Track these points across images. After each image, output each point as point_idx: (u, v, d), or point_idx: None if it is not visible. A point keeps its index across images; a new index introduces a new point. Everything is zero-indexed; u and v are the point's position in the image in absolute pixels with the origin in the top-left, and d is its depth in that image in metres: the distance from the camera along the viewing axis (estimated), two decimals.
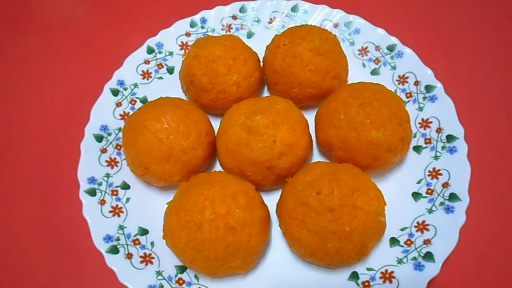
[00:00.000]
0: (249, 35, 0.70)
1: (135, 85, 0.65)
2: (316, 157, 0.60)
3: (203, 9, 0.70)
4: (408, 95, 0.61)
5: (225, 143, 0.52)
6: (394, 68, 0.63)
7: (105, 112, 0.62)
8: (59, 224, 0.57)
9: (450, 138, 0.56)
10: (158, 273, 0.51)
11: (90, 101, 0.62)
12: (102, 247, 0.52)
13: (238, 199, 0.46)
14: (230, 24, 0.71)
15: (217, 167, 0.59)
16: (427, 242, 0.50)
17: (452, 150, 0.55)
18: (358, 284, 0.49)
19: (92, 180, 0.57)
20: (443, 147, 0.56)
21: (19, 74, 0.72)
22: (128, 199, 0.57)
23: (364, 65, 0.66)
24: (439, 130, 0.57)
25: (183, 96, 0.63)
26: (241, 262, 0.47)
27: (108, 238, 0.53)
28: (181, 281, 0.51)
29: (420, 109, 0.60)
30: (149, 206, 0.56)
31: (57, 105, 0.67)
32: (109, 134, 0.61)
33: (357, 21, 0.67)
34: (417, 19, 0.72)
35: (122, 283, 0.49)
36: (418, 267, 0.49)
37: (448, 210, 0.52)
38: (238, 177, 0.51)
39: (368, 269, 0.50)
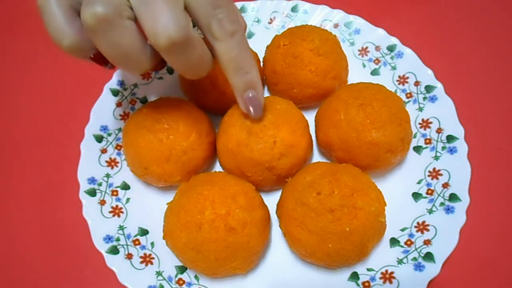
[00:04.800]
0: (249, 35, 0.70)
1: (135, 85, 0.65)
2: (316, 157, 0.60)
3: None
4: (408, 95, 0.61)
5: (225, 144, 0.52)
6: (394, 68, 0.63)
7: (105, 112, 0.62)
8: (59, 224, 0.57)
9: (450, 138, 0.56)
10: (158, 273, 0.51)
11: (90, 101, 0.62)
12: (102, 247, 0.52)
13: (238, 199, 0.46)
14: None
15: (217, 168, 0.59)
16: (427, 242, 0.50)
17: (452, 151, 0.55)
18: (358, 285, 0.50)
19: (92, 180, 0.57)
20: (443, 148, 0.56)
21: (19, 74, 0.71)
22: (128, 200, 0.57)
23: (364, 65, 0.65)
24: (439, 131, 0.57)
25: (183, 96, 0.63)
26: (241, 262, 0.47)
27: (108, 239, 0.53)
28: (181, 282, 0.51)
29: (420, 109, 0.60)
30: (149, 206, 0.56)
31: (57, 105, 0.67)
32: (109, 135, 0.61)
33: (357, 21, 0.67)
34: (417, 19, 0.72)
35: (122, 283, 0.50)
36: (418, 267, 0.49)
37: (448, 210, 0.52)
38: (238, 178, 0.51)
39: (368, 270, 0.50)
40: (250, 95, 0.45)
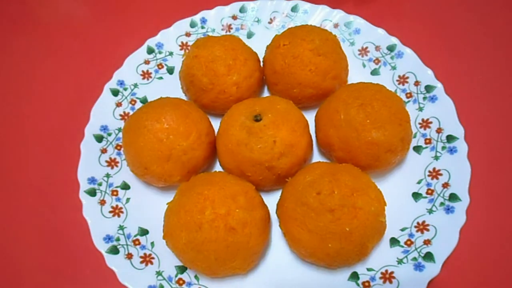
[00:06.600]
0: (249, 35, 0.70)
1: (135, 85, 0.65)
2: (316, 157, 0.60)
3: (203, 9, 0.70)
4: (408, 95, 0.61)
5: (225, 144, 0.52)
6: (394, 68, 0.63)
7: (105, 112, 0.62)
8: (59, 224, 0.57)
9: (450, 138, 0.56)
10: (158, 273, 0.51)
11: (90, 101, 0.62)
12: (102, 247, 0.52)
13: (238, 199, 0.46)
14: (230, 24, 0.70)
15: (217, 167, 0.59)
16: (427, 242, 0.50)
17: (452, 150, 0.55)
18: (358, 285, 0.49)
19: (92, 180, 0.57)
20: (443, 147, 0.56)
21: (19, 74, 0.72)
22: (128, 199, 0.57)
23: (364, 65, 0.66)
24: (439, 130, 0.57)
25: (183, 96, 0.63)
26: (241, 262, 0.47)
27: (108, 239, 0.53)
28: (181, 281, 0.51)
29: (420, 109, 0.60)
30: (149, 206, 0.56)
31: (57, 105, 0.67)
32: (109, 134, 0.61)
33: (357, 21, 0.67)
34: (417, 19, 0.72)
35: (122, 283, 0.50)
36: (418, 267, 0.49)
37: (448, 210, 0.52)
38: (238, 178, 0.51)
39: (368, 270, 0.50)
40: None
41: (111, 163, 0.59)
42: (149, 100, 0.62)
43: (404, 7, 0.74)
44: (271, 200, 0.53)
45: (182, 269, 0.52)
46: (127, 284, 0.49)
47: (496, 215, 0.54)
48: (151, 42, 0.68)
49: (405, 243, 0.51)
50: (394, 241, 0.52)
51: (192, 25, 0.70)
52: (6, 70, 0.72)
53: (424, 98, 0.60)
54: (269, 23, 0.71)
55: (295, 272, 0.52)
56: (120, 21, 0.77)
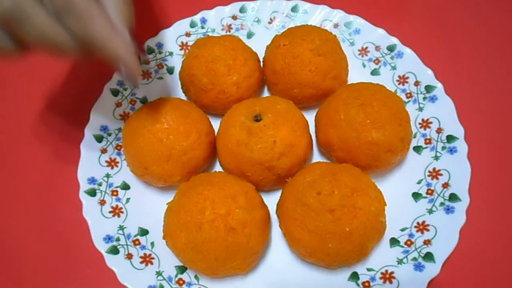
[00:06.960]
0: (249, 35, 0.70)
1: (135, 85, 0.65)
2: (316, 157, 0.60)
3: (203, 9, 0.70)
4: (408, 95, 0.61)
5: (225, 144, 0.52)
6: (394, 68, 0.63)
7: (105, 112, 0.62)
8: (59, 224, 0.57)
9: (450, 138, 0.56)
10: (158, 273, 0.51)
11: (90, 101, 0.62)
12: (102, 247, 0.52)
13: (238, 199, 0.46)
14: (230, 24, 0.70)
15: (217, 168, 0.59)
16: (427, 242, 0.50)
17: (452, 151, 0.55)
18: (358, 285, 0.50)
19: (92, 180, 0.57)
20: (443, 147, 0.56)
21: (19, 74, 0.71)
22: (128, 200, 0.57)
23: (364, 65, 0.65)
24: (439, 130, 0.57)
25: (183, 96, 0.63)
26: (241, 262, 0.47)
27: (108, 239, 0.53)
28: (181, 282, 0.51)
29: (420, 109, 0.60)
30: (149, 206, 0.56)
31: (57, 105, 0.67)
32: (109, 135, 0.61)
33: (357, 21, 0.67)
34: (417, 19, 0.72)
35: (122, 283, 0.50)
36: (418, 267, 0.49)
37: (448, 210, 0.52)
38: (238, 178, 0.51)
39: (368, 270, 0.50)
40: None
41: (111, 163, 0.59)
42: (149, 100, 0.62)
43: (404, 7, 0.74)
44: (271, 200, 0.53)
45: (182, 269, 0.52)
46: (127, 284, 0.49)
47: (496, 215, 0.54)
48: (151, 42, 0.68)
49: (405, 243, 0.51)
50: (394, 241, 0.52)
51: (192, 25, 0.70)
52: (5, 70, 0.72)
53: (424, 98, 0.60)
54: (269, 23, 0.70)
55: (295, 272, 0.52)
56: None
